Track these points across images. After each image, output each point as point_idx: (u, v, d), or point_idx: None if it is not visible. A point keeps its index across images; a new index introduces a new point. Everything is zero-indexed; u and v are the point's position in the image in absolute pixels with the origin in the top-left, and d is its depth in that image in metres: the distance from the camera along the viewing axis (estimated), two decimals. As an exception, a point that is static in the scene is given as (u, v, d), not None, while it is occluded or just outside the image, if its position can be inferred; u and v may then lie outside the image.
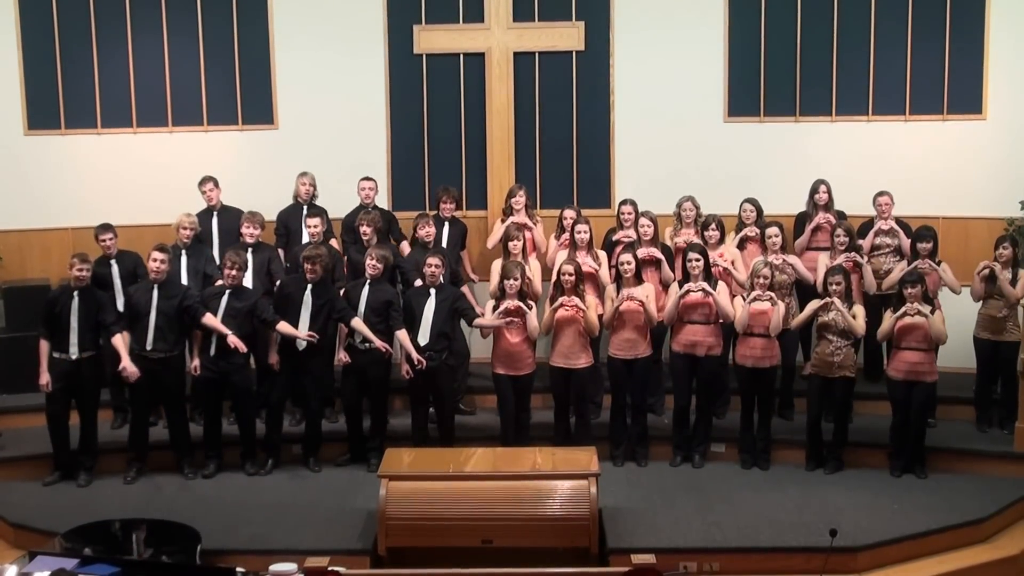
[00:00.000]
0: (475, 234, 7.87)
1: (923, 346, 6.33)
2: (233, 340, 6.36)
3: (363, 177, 7.39)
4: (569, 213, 7.15)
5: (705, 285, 6.44)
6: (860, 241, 7.06)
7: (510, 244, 6.78)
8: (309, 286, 6.56)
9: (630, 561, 4.96)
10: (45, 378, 6.40)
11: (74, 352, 6.38)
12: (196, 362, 6.51)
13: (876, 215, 7.15)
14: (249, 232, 6.98)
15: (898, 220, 7.16)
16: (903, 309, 6.33)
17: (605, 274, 6.87)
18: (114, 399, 7.03)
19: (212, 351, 6.52)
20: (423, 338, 6.51)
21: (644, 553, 5.15)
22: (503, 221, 7.30)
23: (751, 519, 5.87)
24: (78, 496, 6.31)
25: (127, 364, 6.32)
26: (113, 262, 6.89)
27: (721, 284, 6.64)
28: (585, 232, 6.84)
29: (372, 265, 6.58)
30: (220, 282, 6.65)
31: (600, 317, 6.58)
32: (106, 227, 6.87)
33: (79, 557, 4.91)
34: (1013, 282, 6.68)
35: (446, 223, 7.29)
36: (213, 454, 6.66)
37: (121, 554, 5.38)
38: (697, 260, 6.47)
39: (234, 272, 6.51)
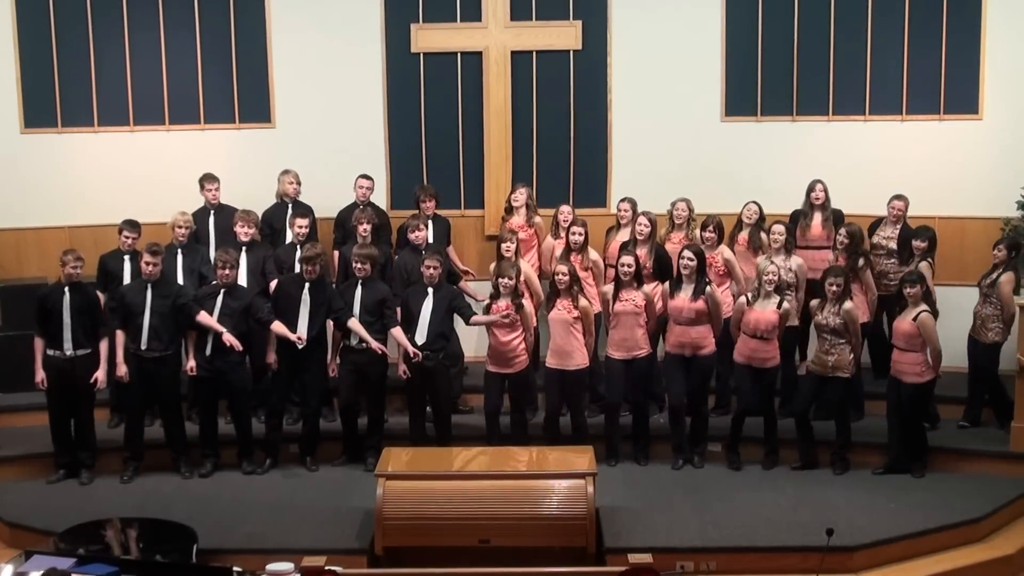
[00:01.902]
0: (472, 232, 7.87)
1: (900, 344, 6.35)
2: (228, 338, 6.35)
3: (361, 175, 7.37)
4: (565, 210, 7.16)
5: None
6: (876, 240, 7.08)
7: (503, 246, 6.77)
8: (307, 285, 6.55)
9: (627, 560, 4.97)
10: (40, 376, 6.39)
11: (68, 349, 6.36)
12: (192, 363, 6.50)
13: (887, 218, 7.13)
14: (243, 231, 6.97)
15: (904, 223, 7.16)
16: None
17: (599, 275, 6.87)
18: (112, 398, 7.02)
19: (208, 350, 6.50)
20: (420, 337, 6.50)
21: (641, 552, 5.16)
22: (504, 220, 7.31)
23: (748, 518, 5.86)
24: (75, 495, 6.29)
25: (100, 374, 6.35)
26: (127, 258, 6.87)
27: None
28: (580, 235, 6.83)
29: (359, 268, 6.57)
30: (215, 282, 6.63)
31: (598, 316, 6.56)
32: (133, 225, 6.87)
33: (75, 556, 4.90)
34: (993, 285, 6.66)
35: (430, 222, 7.29)
36: (210, 453, 6.64)
37: (118, 553, 5.37)
38: (691, 260, 6.45)
39: (227, 271, 6.49)
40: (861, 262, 6.84)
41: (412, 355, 6.41)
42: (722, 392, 7.08)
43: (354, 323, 6.49)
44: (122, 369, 6.45)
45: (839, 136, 7.73)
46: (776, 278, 6.46)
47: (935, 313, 6.33)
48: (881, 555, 5.64)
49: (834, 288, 6.36)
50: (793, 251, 6.97)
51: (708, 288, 6.49)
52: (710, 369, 6.64)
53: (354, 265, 6.60)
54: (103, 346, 6.42)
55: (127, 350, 6.46)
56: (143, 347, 6.45)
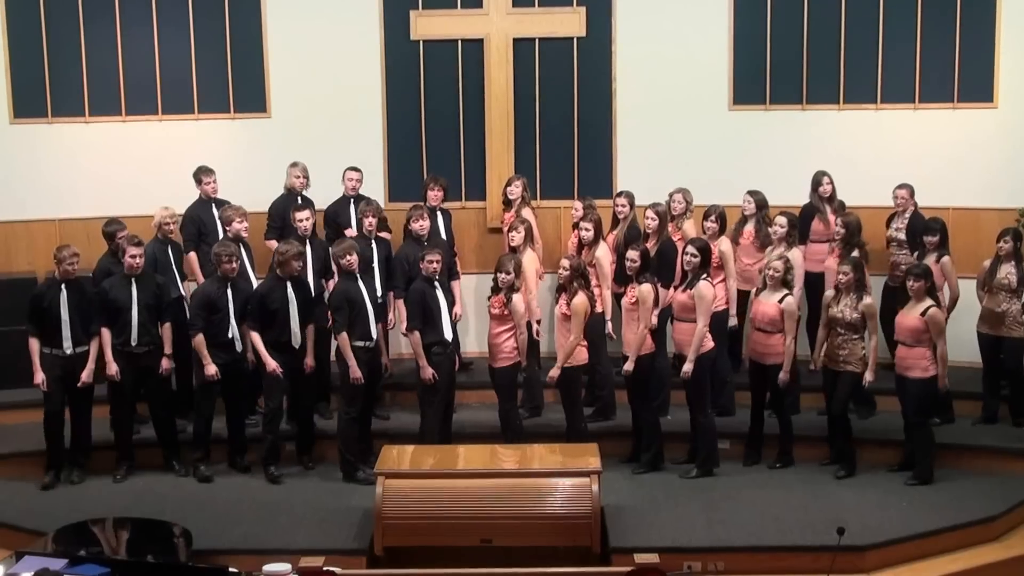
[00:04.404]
0: (473, 225, 7.77)
1: (906, 340, 6.22)
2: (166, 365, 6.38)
3: (349, 167, 7.24)
4: (576, 205, 7.05)
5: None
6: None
7: (510, 235, 6.67)
8: (289, 284, 6.35)
9: (633, 561, 4.96)
10: (40, 377, 6.27)
11: (68, 347, 6.26)
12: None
13: (895, 208, 7.03)
14: (242, 226, 6.82)
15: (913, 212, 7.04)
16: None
17: (607, 271, 6.74)
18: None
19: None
20: (449, 332, 6.38)
21: (647, 552, 5.14)
22: (504, 212, 7.19)
23: (757, 518, 5.79)
24: (67, 495, 6.21)
25: (86, 374, 6.25)
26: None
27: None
28: (588, 231, 6.71)
29: (348, 262, 6.35)
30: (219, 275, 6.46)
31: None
32: (120, 225, 6.70)
33: (67, 557, 4.84)
34: (992, 277, 6.52)
35: (439, 213, 7.15)
36: (204, 452, 6.50)
37: (111, 554, 5.29)
38: (694, 256, 6.29)
39: (232, 264, 6.35)
40: (856, 254, 6.70)
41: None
42: (718, 390, 6.89)
43: (342, 339, 6.28)
44: (112, 368, 6.32)
45: (850, 125, 7.63)
46: (779, 272, 6.33)
47: (948, 308, 6.18)
48: (893, 555, 5.57)
49: (842, 278, 6.24)
50: (795, 245, 6.82)
51: (698, 282, 6.30)
52: (700, 372, 6.35)
53: (345, 260, 6.34)
54: (93, 345, 6.31)
55: (115, 347, 6.34)
56: (133, 343, 6.35)
